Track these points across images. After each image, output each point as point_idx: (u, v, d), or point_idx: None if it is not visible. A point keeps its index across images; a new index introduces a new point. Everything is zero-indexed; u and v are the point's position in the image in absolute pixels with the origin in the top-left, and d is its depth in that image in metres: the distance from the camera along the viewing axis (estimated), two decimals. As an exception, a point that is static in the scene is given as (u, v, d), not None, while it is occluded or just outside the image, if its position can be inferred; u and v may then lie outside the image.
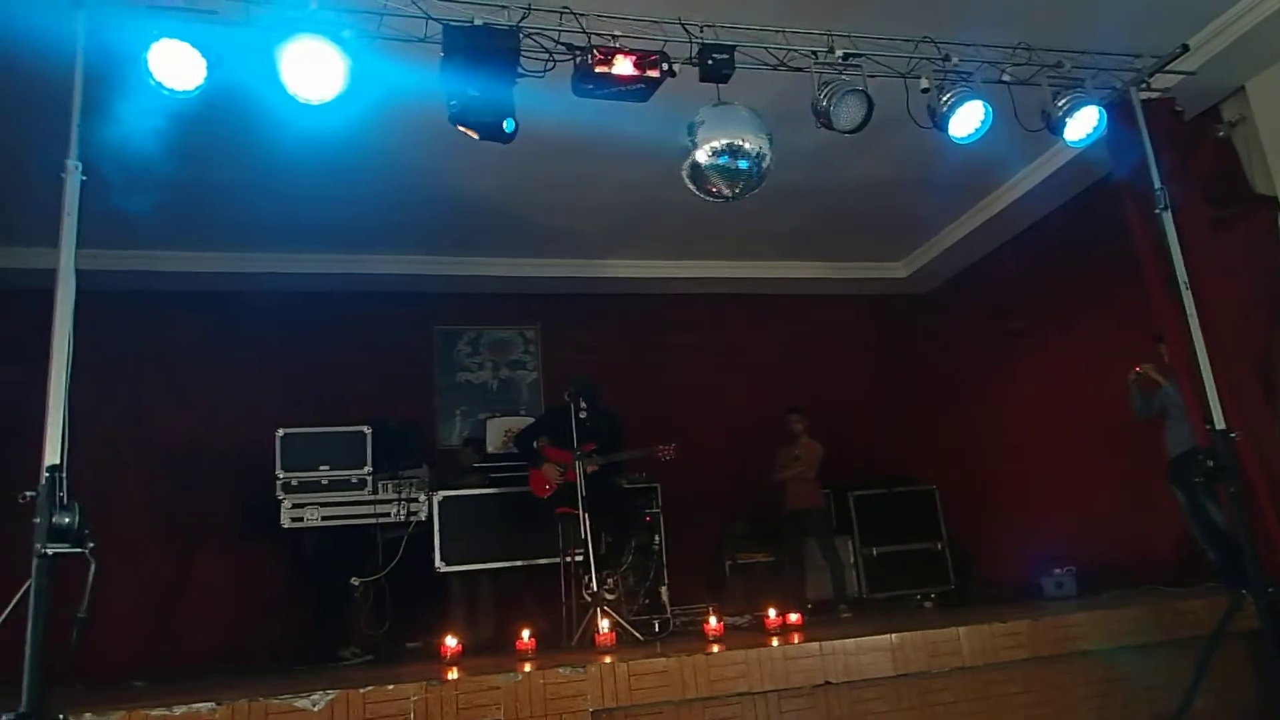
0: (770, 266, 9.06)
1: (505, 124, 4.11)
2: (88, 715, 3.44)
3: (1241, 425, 4.82)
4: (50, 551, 3.04)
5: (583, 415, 6.45)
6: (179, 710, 3.53)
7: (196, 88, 3.77)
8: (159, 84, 3.69)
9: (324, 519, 6.62)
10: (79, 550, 3.09)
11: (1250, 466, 4.91)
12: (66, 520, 3.07)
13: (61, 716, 3.12)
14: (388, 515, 6.69)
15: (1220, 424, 4.57)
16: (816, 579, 7.89)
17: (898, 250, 9.21)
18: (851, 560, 8.25)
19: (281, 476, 6.60)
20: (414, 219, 7.34)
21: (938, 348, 9.54)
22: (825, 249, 8.87)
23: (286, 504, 6.58)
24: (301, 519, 6.59)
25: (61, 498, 3.13)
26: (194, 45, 3.68)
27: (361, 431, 6.81)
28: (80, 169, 3.46)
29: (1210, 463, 4.54)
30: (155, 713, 3.51)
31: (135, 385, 7.59)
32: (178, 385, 7.77)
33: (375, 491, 6.74)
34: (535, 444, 6.70)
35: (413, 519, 6.76)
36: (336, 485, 6.69)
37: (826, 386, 9.19)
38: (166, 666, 6.75)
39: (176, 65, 3.68)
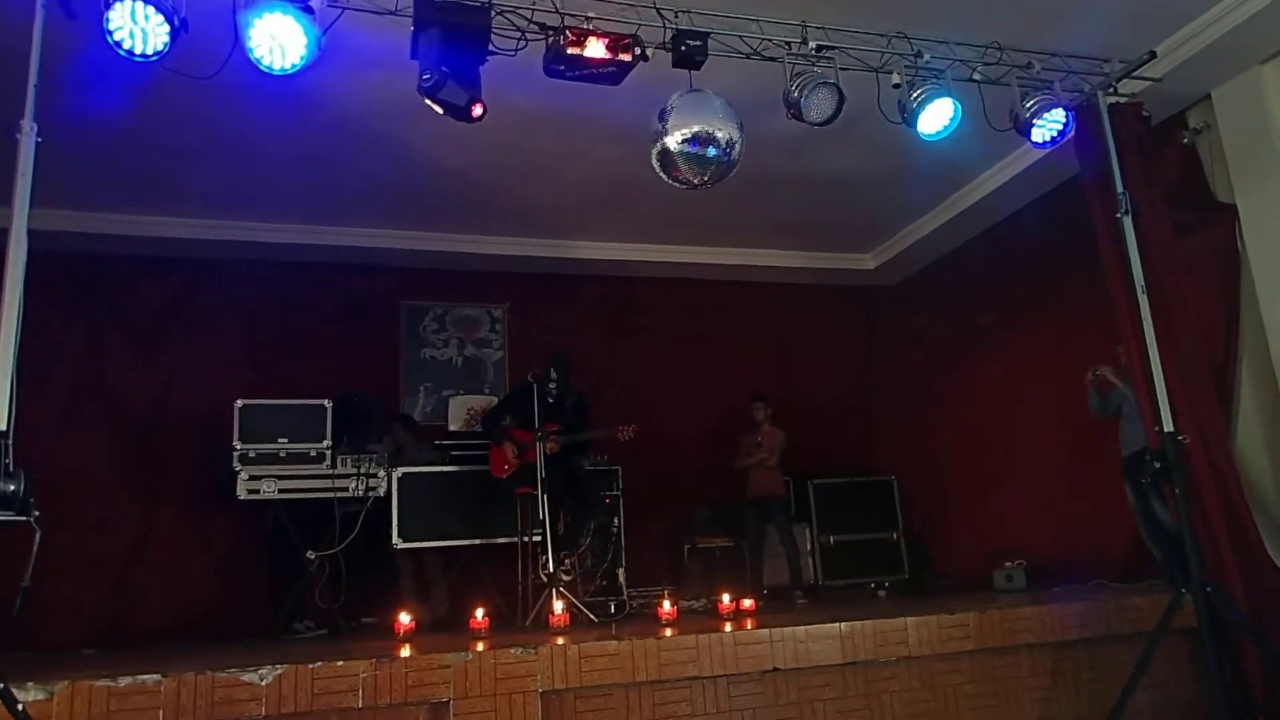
0: (740, 254, 9.07)
1: (474, 108, 4.08)
2: (30, 684, 3.40)
3: (1193, 429, 4.91)
4: (-7, 519, 3.00)
5: (552, 385, 6.44)
6: (124, 681, 3.50)
7: (157, 52, 3.68)
8: (118, 46, 3.61)
9: (280, 492, 6.56)
10: (24, 518, 3.04)
11: (1199, 469, 5.01)
12: (11, 487, 3.02)
13: (4, 685, 3.08)
14: (346, 490, 6.65)
15: (1169, 426, 4.65)
16: (774, 565, 7.97)
17: (867, 242, 9.25)
18: (809, 547, 8.34)
19: (239, 448, 6.54)
20: (384, 191, 7.25)
21: (904, 340, 9.62)
22: (795, 238, 8.90)
23: (243, 475, 6.52)
24: (258, 491, 6.53)
25: (7, 464, 3.07)
26: (156, 7, 3.59)
27: (321, 405, 6.76)
28: (36, 130, 3.38)
29: (1158, 464, 4.62)
30: (100, 683, 3.48)
31: (96, 349, 7.50)
32: (139, 351, 7.68)
33: (334, 466, 6.70)
34: (504, 423, 6.68)
35: (371, 494, 6.73)
36: (295, 458, 6.64)
37: (793, 374, 9.26)
38: (119, 634, 6.72)
39: (138, 27, 3.60)
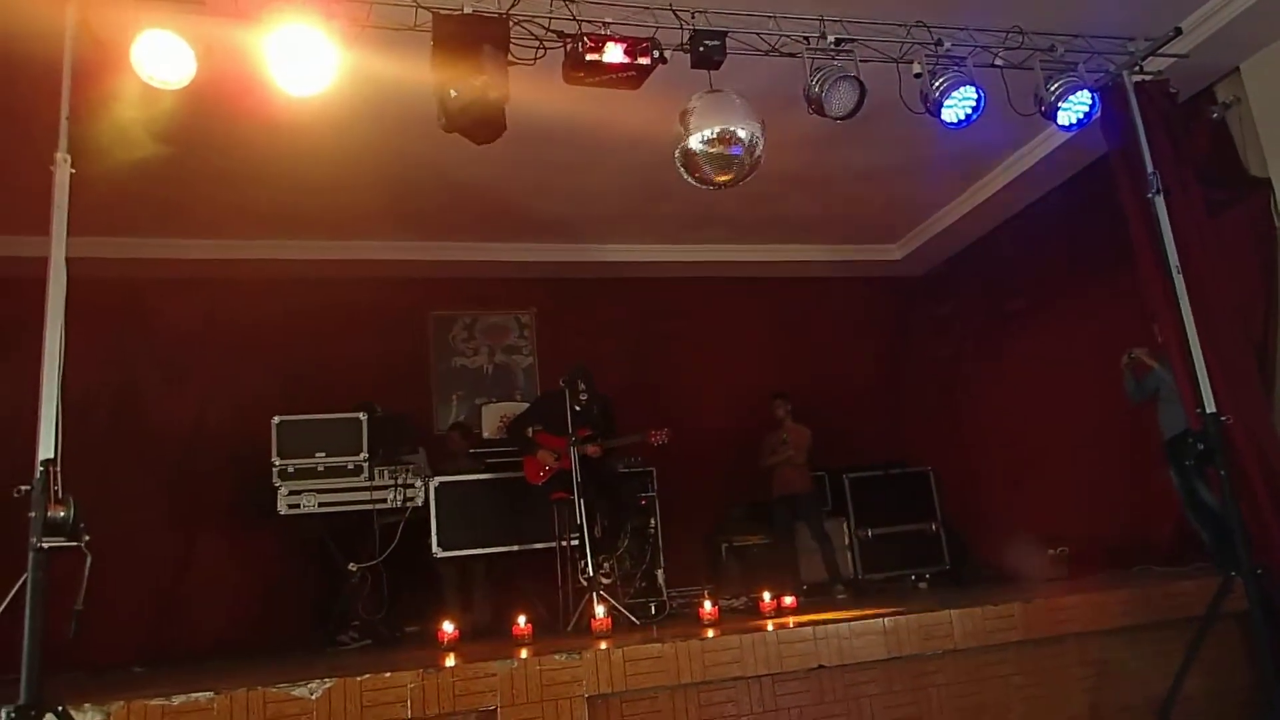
0: (766, 250, 9.05)
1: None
2: (87, 706, 3.47)
3: (1234, 408, 4.83)
4: (45, 546, 3.06)
5: (583, 396, 6.47)
6: (178, 700, 3.57)
7: (184, 80, 3.74)
8: (148, 77, 3.67)
9: (320, 505, 6.63)
10: (74, 544, 3.11)
11: (1243, 449, 4.93)
12: (61, 514, 3.08)
13: (61, 708, 3.14)
14: (384, 501, 6.72)
15: (1211, 407, 4.58)
16: (810, 561, 7.93)
17: (893, 232, 9.20)
18: (846, 542, 8.29)
19: (278, 463, 6.62)
20: (408, 205, 7.32)
21: (934, 329, 9.56)
22: (821, 232, 8.86)
23: (283, 490, 6.59)
24: (298, 505, 6.60)
25: (56, 491, 3.14)
26: (182, 37, 3.65)
27: (357, 418, 6.82)
28: (69, 162, 3.45)
29: (1200, 446, 4.55)
30: (154, 702, 3.55)
31: (132, 372, 7.60)
32: (174, 372, 7.77)
33: (372, 478, 6.76)
34: (530, 431, 6.72)
35: (409, 504, 6.78)
36: (333, 472, 6.71)
37: (823, 369, 9.22)
38: (167, 651, 6.83)
39: (164, 58, 3.66)
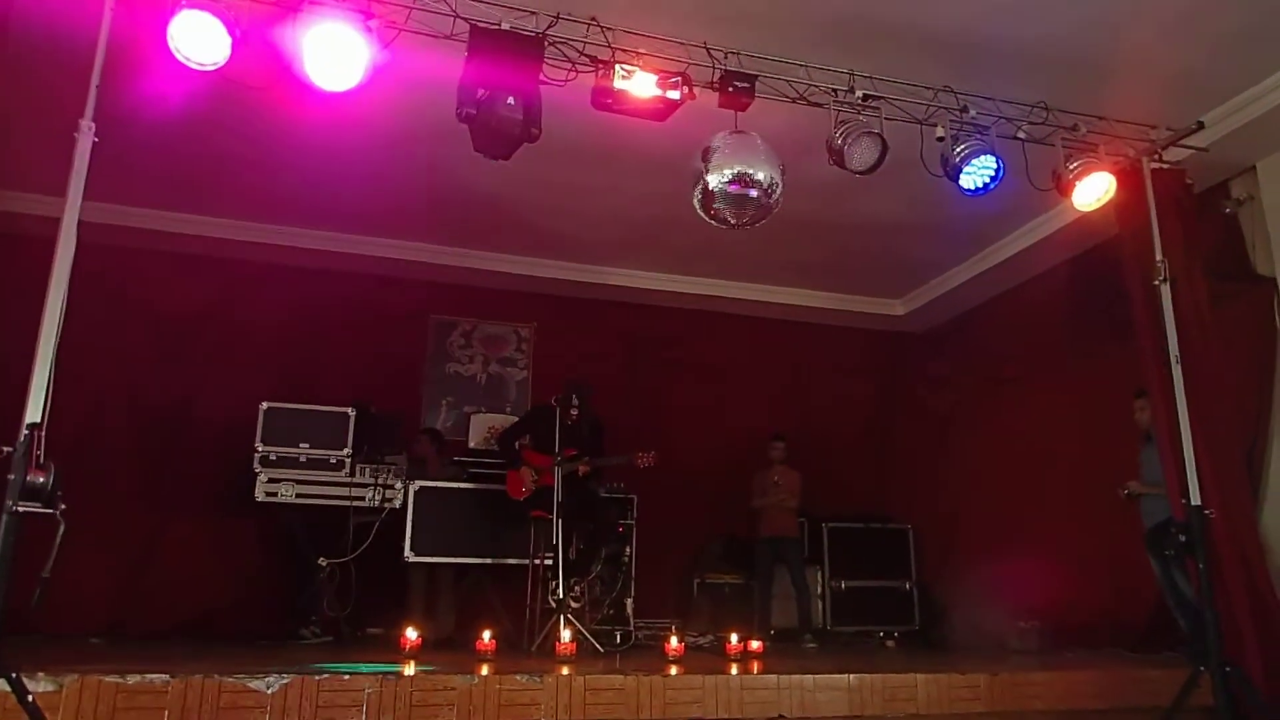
0: (770, 292, 9.08)
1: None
2: (41, 674, 3.44)
3: (1219, 503, 4.83)
4: (20, 509, 3.03)
5: (574, 411, 6.45)
6: (133, 679, 3.54)
7: (216, 62, 3.76)
8: (180, 54, 3.69)
9: (298, 496, 6.59)
10: (49, 511, 3.08)
11: (1223, 544, 4.91)
12: (40, 480, 3.06)
13: (15, 675, 3.10)
14: (362, 499, 6.68)
15: (1196, 499, 4.59)
16: (783, 607, 7.90)
17: (898, 288, 9.24)
18: (819, 591, 8.26)
19: (260, 450, 6.58)
20: (421, 207, 7.33)
21: (927, 388, 9.57)
22: (826, 280, 8.91)
23: (262, 477, 6.55)
24: (276, 494, 6.56)
25: (38, 456, 3.11)
26: (218, 19, 3.67)
27: (345, 413, 6.79)
28: (93, 130, 3.45)
29: (1182, 537, 4.55)
30: (109, 679, 3.52)
31: (127, 343, 7.55)
32: (169, 348, 7.73)
33: (352, 474, 6.72)
34: (517, 445, 6.70)
35: (387, 505, 6.74)
36: (314, 464, 6.67)
37: (814, 414, 9.23)
38: (128, 626, 6.76)
39: (200, 39, 3.68)
